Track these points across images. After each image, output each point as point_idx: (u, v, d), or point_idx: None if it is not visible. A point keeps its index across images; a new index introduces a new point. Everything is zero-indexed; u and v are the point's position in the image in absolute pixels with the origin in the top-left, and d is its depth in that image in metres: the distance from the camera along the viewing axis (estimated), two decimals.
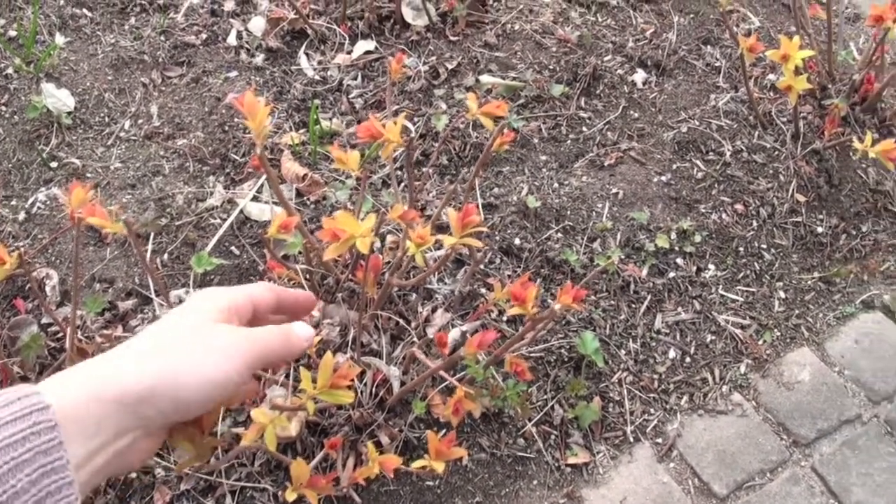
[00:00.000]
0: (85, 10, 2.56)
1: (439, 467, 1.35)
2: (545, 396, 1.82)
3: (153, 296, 1.86)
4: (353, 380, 1.58)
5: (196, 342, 0.70)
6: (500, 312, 1.87)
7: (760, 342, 2.01)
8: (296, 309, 0.88)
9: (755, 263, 2.14)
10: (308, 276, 1.71)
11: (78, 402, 0.61)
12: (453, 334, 1.74)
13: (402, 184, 2.03)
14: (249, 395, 0.83)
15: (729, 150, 2.27)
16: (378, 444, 1.64)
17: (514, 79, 2.39)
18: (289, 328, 0.80)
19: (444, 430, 1.68)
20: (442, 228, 1.84)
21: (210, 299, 0.76)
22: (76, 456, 0.60)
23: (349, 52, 2.43)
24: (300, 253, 1.80)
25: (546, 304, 1.91)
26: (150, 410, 0.65)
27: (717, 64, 2.54)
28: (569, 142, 2.29)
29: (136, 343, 0.69)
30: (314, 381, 1.13)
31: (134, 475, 1.62)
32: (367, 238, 1.15)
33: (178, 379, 0.67)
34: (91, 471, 0.62)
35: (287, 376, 1.68)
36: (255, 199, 2.05)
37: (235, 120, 2.23)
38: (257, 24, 2.49)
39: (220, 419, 1.66)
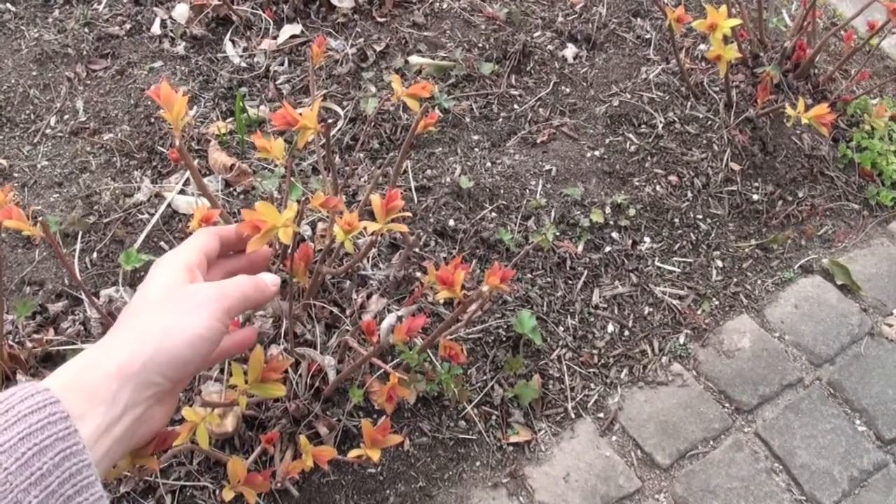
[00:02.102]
0: (8, 5, 2.50)
1: (375, 455, 1.33)
2: (484, 377, 1.81)
3: (83, 296, 1.82)
4: (286, 372, 1.57)
5: (176, 306, 0.76)
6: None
7: (699, 312, 2.02)
8: (253, 261, 0.98)
9: (691, 234, 2.14)
10: None
11: (83, 385, 0.68)
12: (389, 319, 1.72)
13: (338, 169, 2.01)
14: (244, 345, 0.92)
15: (661, 122, 2.27)
16: (317, 436, 1.63)
17: (443, 58, 2.37)
18: (257, 277, 0.87)
19: (383, 418, 1.67)
20: (373, 214, 1.82)
21: (170, 265, 0.82)
22: (91, 436, 0.66)
23: (275, 38, 2.39)
24: None
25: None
26: (154, 377, 0.72)
27: (648, 36, 2.54)
28: (500, 120, 2.27)
29: (120, 325, 0.76)
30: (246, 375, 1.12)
31: None
32: (288, 228, 1.13)
33: (171, 342, 0.74)
34: (109, 445, 0.69)
35: (221, 371, 1.66)
36: (182, 192, 2.01)
37: (161, 112, 2.19)
38: (181, 12, 2.45)
39: None
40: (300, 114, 1.29)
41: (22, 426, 0.60)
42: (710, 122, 2.29)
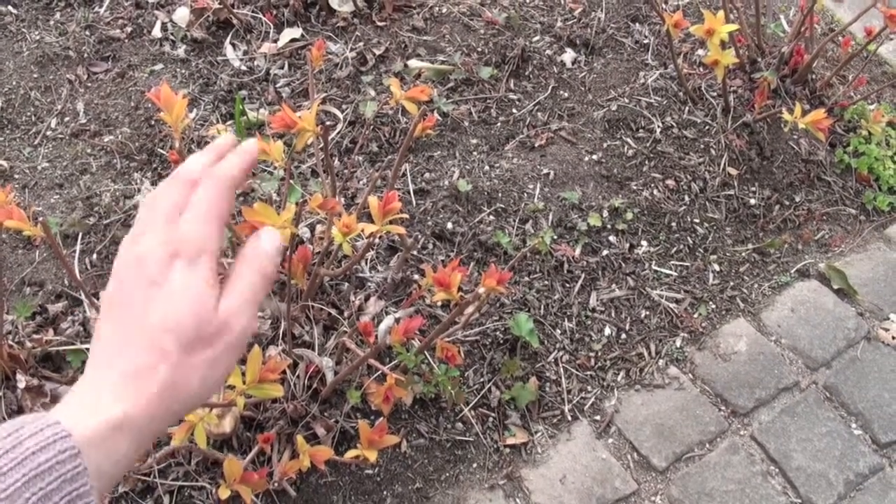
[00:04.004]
0: (10, 8, 2.50)
1: (372, 456, 1.34)
2: (482, 379, 1.82)
3: (83, 297, 1.83)
4: (284, 373, 1.58)
5: (212, 350, 0.68)
6: None
7: (696, 315, 2.03)
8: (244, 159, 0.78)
9: (688, 238, 2.15)
10: None
11: (94, 430, 0.62)
12: (387, 321, 1.73)
13: (335, 172, 2.02)
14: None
15: (659, 126, 2.28)
16: (315, 436, 1.63)
17: (442, 62, 2.38)
18: (259, 256, 0.73)
19: (380, 419, 1.67)
20: (371, 216, 1.83)
21: (196, 282, 0.70)
22: (97, 476, 0.61)
23: (275, 41, 2.41)
24: (228, 246, 1.77)
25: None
26: (177, 418, 0.67)
27: (646, 41, 2.55)
28: (499, 124, 2.28)
29: (143, 354, 0.66)
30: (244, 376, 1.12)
31: None
32: (286, 229, 1.14)
33: (208, 391, 0.67)
34: (110, 481, 0.64)
35: None
36: None
37: (161, 114, 2.20)
38: (182, 15, 2.46)
39: None
40: (299, 117, 1.30)
41: (29, 467, 0.57)
42: (707, 127, 2.30)
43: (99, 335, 0.69)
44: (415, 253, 1.93)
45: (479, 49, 2.44)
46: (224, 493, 1.30)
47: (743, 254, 2.18)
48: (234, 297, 0.69)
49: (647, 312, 2.01)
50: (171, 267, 0.68)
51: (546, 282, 1.98)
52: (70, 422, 0.61)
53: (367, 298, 1.80)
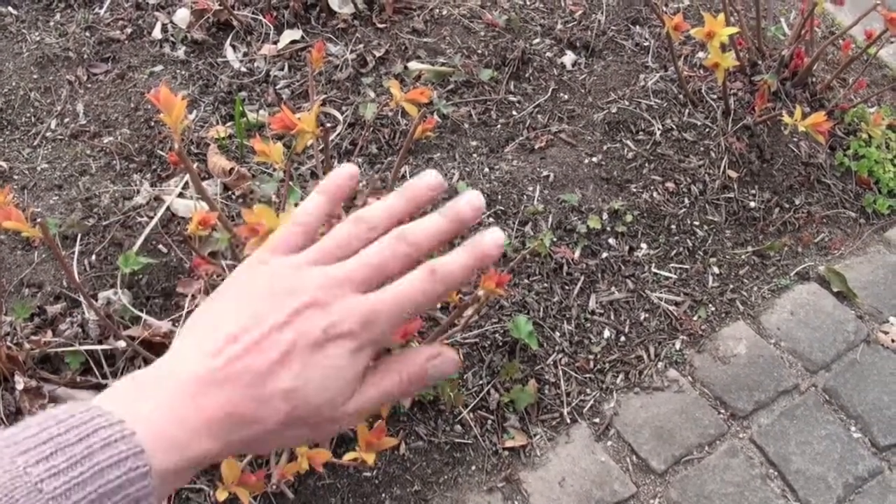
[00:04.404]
0: (10, 9, 2.51)
1: (370, 458, 1.34)
2: (481, 382, 1.82)
3: (82, 299, 1.82)
4: None
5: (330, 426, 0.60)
6: None
7: (695, 318, 2.03)
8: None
9: (688, 240, 2.15)
10: None
11: (174, 466, 0.55)
12: None
13: None
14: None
15: (659, 129, 2.28)
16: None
17: (442, 64, 2.38)
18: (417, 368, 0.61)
19: (378, 421, 1.67)
20: None
21: (347, 383, 0.59)
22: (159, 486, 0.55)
23: (275, 43, 2.41)
24: (227, 248, 1.77)
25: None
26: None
27: (646, 43, 2.55)
28: (499, 126, 2.28)
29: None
30: None
31: None
32: None
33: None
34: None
35: None
36: (181, 195, 2.02)
37: (160, 115, 2.20)
38: (182, 17, 2.46)
39: None
40: (299, 118, 1.30)
41: (97, 483, 0.51)
42: (707, 130, 2.30)
43: (192, 326, 0.60)
44: None
45: (480, 51, 2.44)
46: (222, 496, 1.30)
47: (742, 256, 2.18)
48: (364, 401, 0.60)
49: (647, 315, 2.01)
50: (335, 341, 0.57)
51: (545, 284, 1.98)
52: (151, 446, 0.54)
53: None
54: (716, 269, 2.14)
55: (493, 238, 0.60)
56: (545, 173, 2.16)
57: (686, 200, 2.19)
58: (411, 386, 0.61)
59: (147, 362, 1.69)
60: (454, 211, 0.64)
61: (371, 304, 0.56)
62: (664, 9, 2.67)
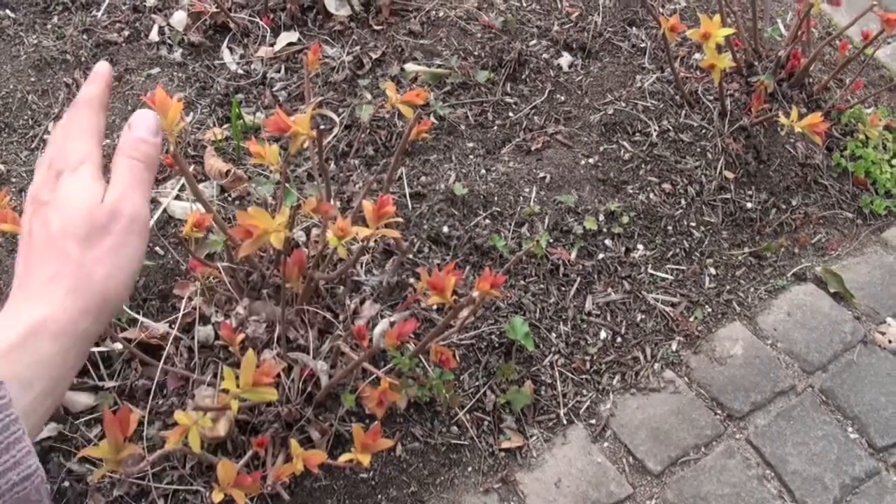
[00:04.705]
0: (8, 12, 2.51)
1: (365, 460, 1.34)
2: (477, 383, 1.82)
3: None
4: (278, 376, 1.58)
5: (111, 239, 0.71)
6: None
7: (691, 319, 2.03)
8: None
9: (684, 241, 2.15)
10: (232, 274, 1.69)
11: (14, 338, 0.64)
12: (382, 325, 1.73)
13: (331, 175, 2.02)
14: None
15: (655, 130, 2.28)
16: (309, 440, 1.63)
17: (439, 66, 2.38)
18: (129, 140, 0.77)
19: (374, 422, 1.67)
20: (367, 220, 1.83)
21: (83, 178, 0.74)
22: (30, 404, 0.63)
23: (272, 45, 2.41)
24: (223, 249, 1.78)
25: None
26: (100, 327, 0.70)
27: (643, 45, 2.55)
28: (495, 128, 2.28)
29: (48, 264, 0.69)
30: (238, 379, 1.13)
31: (67, 483, 1.60)
32: (280, 233, 1.14)
33: (115, 285, 0.70)
34: (43, 395, 0.65)
35: (214, 375, 1.67)
36: (177, 197, 2.02)
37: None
38: (179, 19, 2.46)
39: (147, 423, 1.64)
40: (293, 120, 1.30)
41: None
42: (704, 131, 2.30)
43: (16, 272, 0.71)
44: (410, 256, 1.93)
45: (476, 53, 2.44)
46: (217, 497, 1.30)
47: (739, 257, 2.18)
48: (117, 185, 0.73)
49: (643, 316, 2.01)
50: (57, 183, 0.72)
51: (542, 285, 1.98)
52: None
53: (362, 302, 1.80)
54: (712, 270, 2.14)
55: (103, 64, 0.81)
56: (541, 174, 2.17)
57: (682, 201, 2.20)
58: (130, 151, 0.76)
59: (144, 365, 1.70)
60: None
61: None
62: (660, 10, 2.67)
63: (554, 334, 1.93)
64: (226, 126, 2.20)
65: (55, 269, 0.68)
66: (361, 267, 1.89)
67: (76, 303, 0.67)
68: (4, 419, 0.58)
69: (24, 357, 0.63)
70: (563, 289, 2.00)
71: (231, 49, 2.43)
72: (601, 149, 2.24)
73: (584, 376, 1.90)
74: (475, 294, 1.29)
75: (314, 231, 1.89)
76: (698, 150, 2.27)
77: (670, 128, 2.29)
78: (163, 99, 1.21)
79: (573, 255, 2.04)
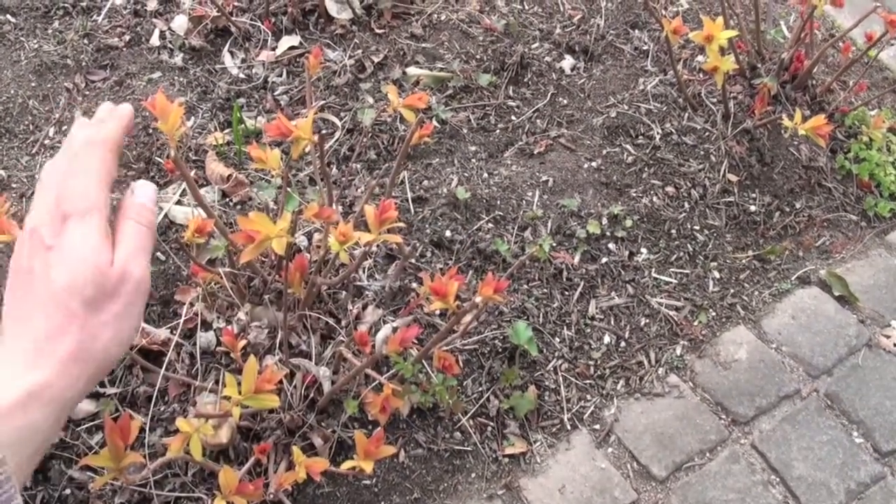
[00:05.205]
0: (8, 16, 2.50)
1: (368, 467, 1.33)
2: (480, 388, 1.81)
3: None
4: (280, 383, 1.57)
5: (114, 304, 0.70)
6: None
7: (696, 323, 2.02)
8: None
9: (688, 245, 2.14)
10: (234, 279, 1.68)
11: (9, 403, 0.63)
12: (384, 330, 1.73)
13: (333, 180, 2.01)
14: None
15: (658, 133, 2.27)
16: (312, 447, 1.62)
17: (441, 70, 2.37)
18: (132, 205, 0.76)
19: (377, 429, 1.66)
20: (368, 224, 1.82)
21: (89, 232, 0.72)
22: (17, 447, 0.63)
23: (273, 49, 2.40)
24: (224, 255, 1.77)
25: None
26: (91, 387, 0.69)
27: (646, 47, 2.54)
28: (498, 131, 2.28)
29: (48, 323, 0.68)
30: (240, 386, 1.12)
31: (68, 491, 1.59)
32: (282, 238, 1.13)
33: (116, 351, 0.70)
34: (31, 456, 0.65)
35: (216, 381, 1.66)
36: (179, 202, 2.01)
37: (157, 122, 2.19)
38: (180, 23, 2.45)
39: (149, 430, 1.63)
40: (295, 125, 1.29)
41: None
42: (707, 134, 2.29)
43: (5, 309, 0.69)
44: (413, 261, 1.92)
45: (478, 56, 2.44)
46: None
47: (743, 261, 2.17)
48: (126, 247, 0.72)
49: (647, 320, 2.00)
50: (64, 228, 0.69)
51: (545, 290, 1.97)
52: None
53: (364, 307, 1.79)
54: (716, 274, 2.13)
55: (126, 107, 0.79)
56: (544, 178, 2.16)
57: (686, 205, 2.19)
58: (134, 215, 0.75)
59: (145, 371, 1.69)
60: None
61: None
62: (663, 12, 2.67)
63: (557, 339, 1.92)
64: (227, 130, 2.19)
65: (58, 326, 0.66)
66: (364, 272, 1.88)
67: (75, 369, 0.66)
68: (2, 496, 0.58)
69: (16, 422, 0.62)
70: (566, 293, 1.99)
71: (232, 53, 2.42)
72: (604, 152, 2.24)
73: (587, 381, 1.89)
74: (478, 299, 1.28)
75: (316, 236, 1.88)
76: (701, 152, 2.26)
77: (673, 131, 2.28)
78: (163, 104, 1.20)
79: (576, 259, 2.03)
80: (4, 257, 1.92)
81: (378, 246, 1.92)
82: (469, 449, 1.75)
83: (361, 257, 1.52)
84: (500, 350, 1.85)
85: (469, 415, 1.77)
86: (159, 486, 1.59)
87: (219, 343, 1.70)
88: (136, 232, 0.73)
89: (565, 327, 1.94)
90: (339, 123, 2.21)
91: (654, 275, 2.08)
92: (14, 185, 2.08)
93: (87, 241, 0.69)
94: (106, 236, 0.70)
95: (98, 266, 0.68)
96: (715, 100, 2.37)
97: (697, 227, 2.17)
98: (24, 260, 0.69)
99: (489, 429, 1.78)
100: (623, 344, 1.96)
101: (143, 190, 0.77)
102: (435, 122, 2.23)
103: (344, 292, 1.79)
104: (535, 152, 2.22)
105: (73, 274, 0.67)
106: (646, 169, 2.21)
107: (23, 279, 0.69)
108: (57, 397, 0.64)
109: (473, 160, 2.18)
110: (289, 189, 2.01)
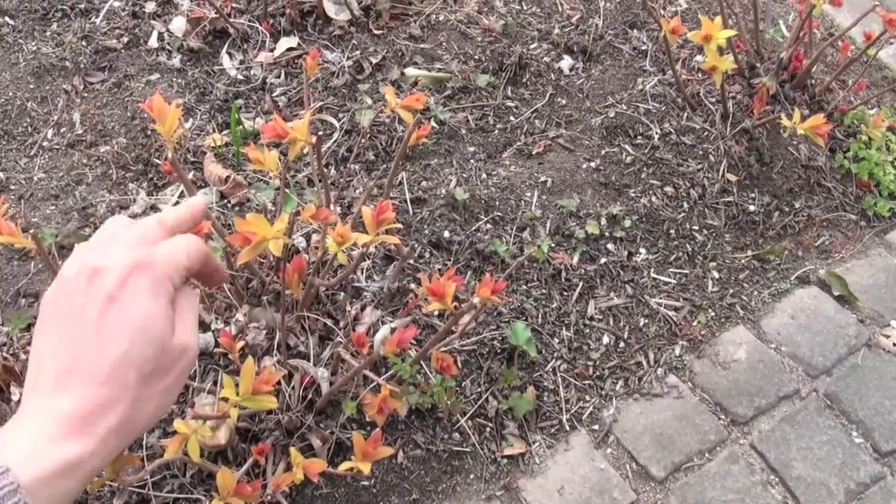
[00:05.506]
0: (7, 19, 2.50)
1: (365, 468, 1.33)
2: (479, 389, 1.81)
3: None
4: (279, 384, 1.57)
5: (166, 379, 0.65)
6: None
7: (695, 323, 2.02)
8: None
9: (687, 245, 2.14)
10: (232, 281, 1.68)
11: (42, 475, 0.58)
12: (383, 331, 1.73)
13: (331, 181, 2.01)
14: None
15: (657, 133, 2.27)
16: (310, 448, 1.62)
17: (439, 70, 2.37)
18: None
19: (375, 430, 1.66)
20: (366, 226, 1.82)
21: (161, 312, 0.66)
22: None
23: (272, 50, 2.40)
24: (223, 257, 1.77)
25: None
26: (125, 445, 0.64)
27: (644, 47, 2.54)
28: (496, 132, 2.28)
29: (110, 383, 0.62)
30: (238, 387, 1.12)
31: None
32: (279, 240, 1.13)
33: (157, 417, 0.65)
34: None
35: (214, 383, 1.66)
36: (177, 204, 2.01)
37: (157, 124, 2.20)
38: (178, 25, 2.45)
39: (148, 431, 1.63)
40: (291, 126, 1.29)
41: None
42: (706, 133, 2.29)
43: (41, 352, 0.63)
44: (411, 262, 1.92)
45: (477, 57, 2.43)
46: None
47: (742, 261, 2.17)
48: (188, 320, 0.67)
49: (646, 320, 2.00)
50: (134, 283, 0.63)
51: (544, 290, 1.97)
52: (15, 464, 0.57)
53: (363, 308, 1.79)
54: (715, 274, 2.13)
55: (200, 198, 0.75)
56: (543, 179, 2.16)
57: (685, 205, 2.18)
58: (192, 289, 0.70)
59: None
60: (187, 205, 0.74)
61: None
62: (661, 12, 2.66)
63: (556, 339, 1.92)
64: (225, 132, 2.19)
65: (107, 398, 0.61)
66: (362, 273, 1.88)
67: (115, 443, 0.61)
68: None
69: (51, 490, 0.58)
70: (565, 293, 1.99)
71: (230, 54, 2.42)
72: (603, 152, 2.23)
73: (586, 382, 1.89)
74: (476, 300, 1.28)
75: (314, 237, 1.88)
76: (700, 152, 2.26)
77: (672, 130, 2.28)
78: (160, 105, 1.20)
79: (575, 260, 2.03)
80: (2, 259, 1.93)
81: (376, 247, 1.91)
82: (468, 450, 1.75)
83: (359, 258, 1.52)
84: (498, 351, 1.85)
85: (468, 416, 1.77)
86: (157, 487, 1.59)
87: (217, 344, 1.70)
88: (194, 301, 0.68)
89: (564, 328, 1.94)
90: (337, 124, 2.21)
91: (653, 275, 2.07)
92: (13, 187, 2.08)
93: (157, 311, 0.63)
94: (172, 308, 0.65)
95: (163, 340, 0.63)
96: (714, 99, 2.37)
97: (696, 227, 2.17)
98: (76, 301, 0.62)
99: (488, 429, 1.78)
100: (622, 344, 1.96)
101: (194, 247, 0.69)
102: (433, 123, 2.23)
103: (342, 293, 1.79)
104: (534, 153, 2.22)
105: (134, 344, 0.61)
106: (644, 169, 2.21)
107: (68, 323, 0.62)
108: (93, 469, 0.60)
109: (472, 161, 2.18)
110: (287, 190, 2.01)
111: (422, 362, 1.68)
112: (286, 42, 2.42)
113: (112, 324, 0.61)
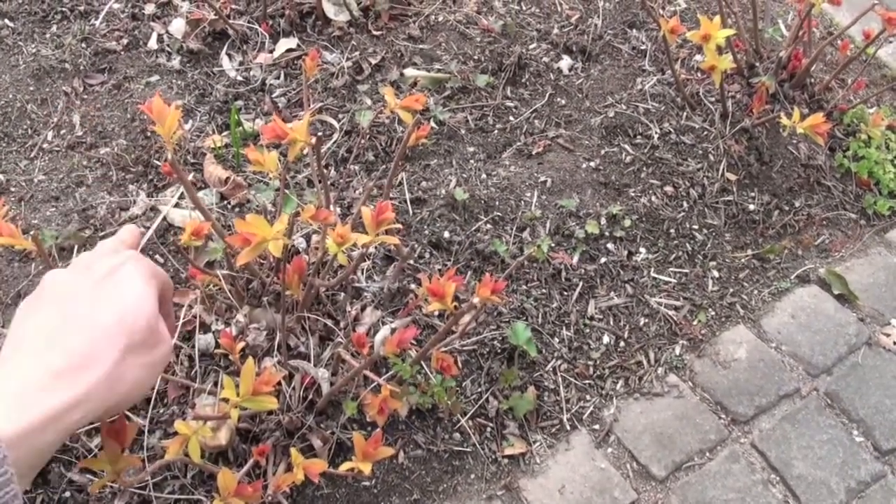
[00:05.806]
0: (6, 21, 2.50)
1: (366, 468, 1.33)
2: (479, 389, 1.81)
3: None
4: (279, 384, 1.57)
5: (150, 354, 0.75)
6: None
7: (695, 322, 2.02)
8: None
9: (687, 244, 2.14)
10: (232, 282, 1.68)
11: (26, 427, 0.63)
12: (383, 332, 1.73)
13: (331, 181, 2.01)
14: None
15: (657, 132, 2.27)
16: (311, 448, 1.62)
17: (439, 71, 2.37)
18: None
19: (376, 430, 1.66)
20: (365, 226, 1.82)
21: (149, 298, 0.78)
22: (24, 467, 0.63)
23: (271, 51, 2.40)
24: (223, 257, 1.77)
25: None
26: (107, 416, 0.74)
27: (644, 47, 2.54)
28: (496, 132, 2.28)
29: (99, 351, 0.70)
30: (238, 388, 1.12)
31: (68, 493, 1.59)
32: (279, 241, 1.13)
33: (139, 393, 0.74)
34: (32, 470, 0.65)
35: (215, 384, 1.66)
36: (177, 205, 2.01)
37: (155, 126, 2.20)
38: (178, 27, 2.45)
39: (148, 432, 1.63)
40: (291, 127, 1.29)
41: None
42: (705, 133, 2.29)
43: (34, 320, 0.70)
44: (411, 262, 1.92)
45: (476, 57, 2.44)
46: None
47: (742, 260, 2.17)
48: (171, 317, 0.80)
49: (646, 320, 2.00)
50: (129, 269, 0.74)
51: (544, 290, 1.97)
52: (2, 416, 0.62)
53: (363, 308, 1.79)
54: (715, 273, 2.13)
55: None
56: (543, 179, 2.16)
57: (685, 204, 2.19)
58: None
59: None
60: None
61: None
62: (660, 12, 2.67)
63: (556, 339, 1.92)
64: (225, 133, 2.19)
65: (95, 353, 0.68)
66: (362, 273, 1.88)
67: (97, 397, 0.67)
68: (4, 496, 0.58)
69: (28, 444, 0.62)
70: (565, 293, 1.99)
71: (230, 56, 2.42)
72: (602, 152, 2.24)
73: (587, 381, 1.89)
74: (476, 300, 1.28)
75: (314, 238, 1.88)
76: (700, 152, 2.26)
77: (671, 130, 2.28)
78: (160, 107, 1.20)
79: (575, 260, 2.03)
80: (3, 261, 1.93)
81: (376, 247, 1.92)
82: (468, 450, 1.75)
83: (359, 259, 1.51)
84: (498, 351, 1.85)
85: (468, 416, 1.77)
86: (158, 488, 1.59)
87: (217, 345, 1.70)
88: (171, 310, 0.81)
89: (564, 327, 1.94)
90: (336, 125, 2.21)
91: (653, 274, 2.07)
92: (13, 189, 2.08)
93: (147, 293, 0.73)
94: (157, 304, 0.75)
95: (152, 318, 0.72)
96: (713, 99, 2.37)
97: (696, 227, 2.17)
98: (71, 284, 0.72)
99: (488, 429, 1.78)
100: (622, 344, 1.96)
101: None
102: (433, 124, 2.23)
103: (342, 294, 1.79)
104: (534, 153, 2.22)
105: (127, 313, 0.71)
106: (644, 168, 2.21)
107: (69, 299, 0.71)
108: (73, 423, 0.66)
109: (471, 161, 2.18)
110: (287, 191, 2.01)
111: (422, 362, 1.68)
112: (285, 43, 2.42)
113: (107, 295, 0.71)
